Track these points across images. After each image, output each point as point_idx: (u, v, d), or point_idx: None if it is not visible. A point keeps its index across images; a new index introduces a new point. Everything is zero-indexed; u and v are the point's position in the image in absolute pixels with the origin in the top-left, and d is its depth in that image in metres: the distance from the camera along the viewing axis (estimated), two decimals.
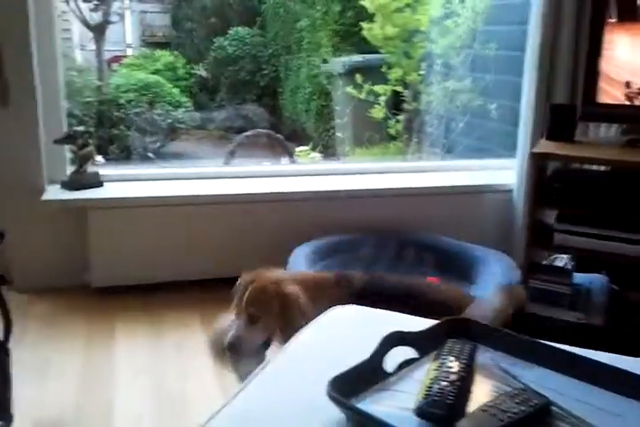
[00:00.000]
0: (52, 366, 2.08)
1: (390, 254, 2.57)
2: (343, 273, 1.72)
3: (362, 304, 1.39)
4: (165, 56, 6.55)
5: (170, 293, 2.66)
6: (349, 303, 1.53)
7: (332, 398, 0.89)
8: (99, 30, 5.87)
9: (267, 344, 1.60)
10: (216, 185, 2.88)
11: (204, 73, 6.66)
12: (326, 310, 1.49)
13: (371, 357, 1.00)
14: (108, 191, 2.75)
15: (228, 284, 2.63)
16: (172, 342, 2.30)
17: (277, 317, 1.55)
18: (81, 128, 2.80)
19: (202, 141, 6.21)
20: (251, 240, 2.76)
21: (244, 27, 6.66)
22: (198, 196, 2.75)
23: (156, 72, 6.22)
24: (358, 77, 4.71)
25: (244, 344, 1.55)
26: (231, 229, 2.76)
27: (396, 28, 4.44)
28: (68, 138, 2.67)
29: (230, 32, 6.58)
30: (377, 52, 4.85)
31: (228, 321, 1.69)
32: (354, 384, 0.95)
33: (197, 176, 2.99)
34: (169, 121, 5.70)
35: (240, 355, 1.55)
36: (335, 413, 0.92)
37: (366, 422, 0.87)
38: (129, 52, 6.97)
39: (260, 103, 6.48)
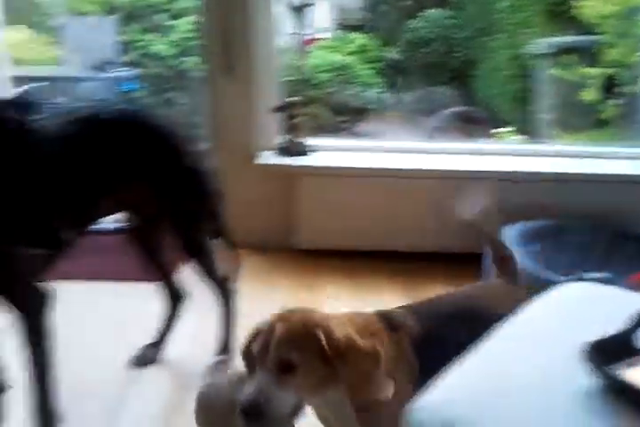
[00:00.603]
0: (258, 318, 2.20)
1: (603, 246, 2.38)
2: (382, 313, 1.30)
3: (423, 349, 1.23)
4: (359, 38, 6.64)
5: (369, 260, 2.70)
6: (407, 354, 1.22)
7: (593, 364, 0.86)
8: (299, 12, 6.09)
9: (296, 409, 1.14)
10: (419, 159, 2.87)
11: (395, 55, 6.68)
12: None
13: (623, 331, 0.96)
14: (316, 160, 2.85)
15: (425, 258, 2.65)
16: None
17: (349, 372, 1.11)
18: (295, 99, 2.91)
19: (390, 122, 6.25)
20: (449, 217, 2.72)
21: (437, 9, 6.56)
22: (401, 169, 2.76)
23: (349, 54, 6.34)
24: (567, 58, 4.46)
25: (271, 405, 1.07)
26: (431, 205, 2.73)
27: (616, 6, 4.11)
28: (284, 107, 2.80)
29: (424, 14, 6.51)
30: (584, 33, 4.54)
31: (234, 377, 1.28)
32: (605, 355, 0.91)
33: (399, 150, 3.00)
34: (361, 101, 5.79)
35: (263, 422, 1.07)
36: (580, 382, 0.88)
37: (627, 391, 0.82)
38: (324, 34, 7.16)
39: (450, 86, 6.38)
